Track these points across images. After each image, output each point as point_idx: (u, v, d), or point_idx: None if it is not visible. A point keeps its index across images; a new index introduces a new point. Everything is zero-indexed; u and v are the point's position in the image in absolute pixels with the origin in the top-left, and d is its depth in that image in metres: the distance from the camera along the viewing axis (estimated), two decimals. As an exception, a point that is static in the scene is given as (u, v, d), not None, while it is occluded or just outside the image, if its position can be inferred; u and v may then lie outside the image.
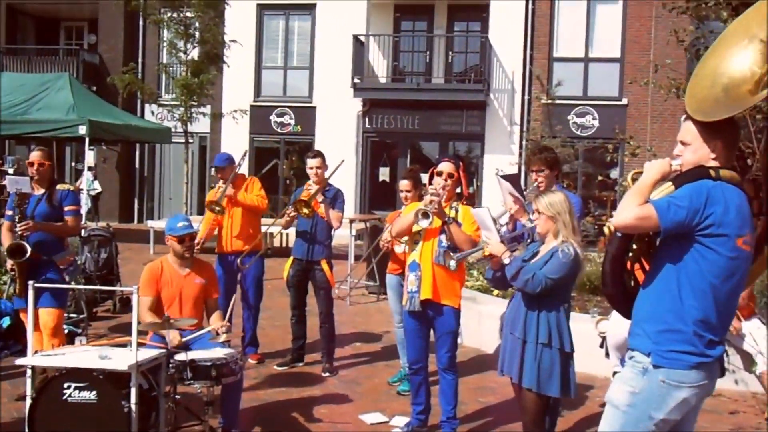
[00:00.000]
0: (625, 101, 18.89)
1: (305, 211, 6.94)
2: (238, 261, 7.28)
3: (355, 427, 5.76)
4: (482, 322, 8.33)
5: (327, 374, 7.12)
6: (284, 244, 16.48)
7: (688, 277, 3.07)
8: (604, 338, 6.05)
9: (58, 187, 6.06)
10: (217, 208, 7.22)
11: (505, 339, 4.61)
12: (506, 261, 4.45)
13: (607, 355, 6.00)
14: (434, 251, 5.31)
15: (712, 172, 3.07)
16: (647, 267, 3.31)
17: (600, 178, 19.11)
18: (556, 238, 4.38)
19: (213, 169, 7.50)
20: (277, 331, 8.82)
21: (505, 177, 5.38)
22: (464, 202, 5.56)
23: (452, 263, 4.95)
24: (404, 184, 6.76)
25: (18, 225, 5.70)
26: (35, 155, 5.99)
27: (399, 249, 6.57)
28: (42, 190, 5.95)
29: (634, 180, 3.23)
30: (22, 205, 5.77)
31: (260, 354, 7.57)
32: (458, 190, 5.61)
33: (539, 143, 17.26)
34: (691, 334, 3.06)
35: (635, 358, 3.21)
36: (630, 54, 18.86)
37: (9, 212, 5.96)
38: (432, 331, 5.51)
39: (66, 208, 5.99)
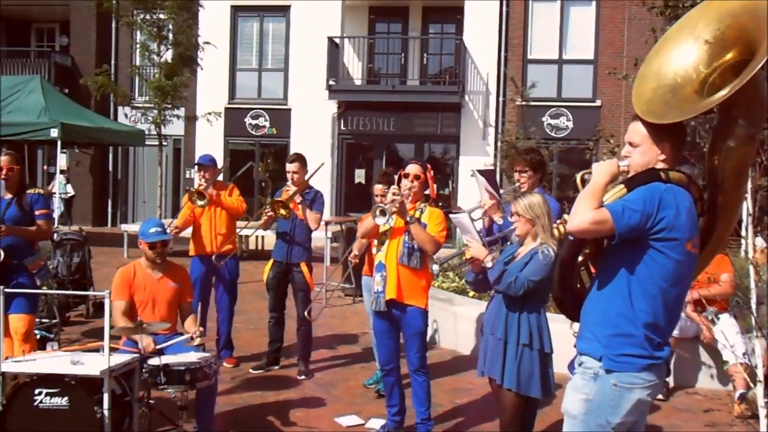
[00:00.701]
0: (599, 102, 19.05)
1: (282, 212, 6.92)
2: (213, 258, 7.25)
3: (330, 430, 5.74)
4: (458, 323, 8.34)
5: (303, 377, 7.09)
6: (259, 247, 16.43)
7: (639, 280, 3.05)
8: (578, 338, 6.08)
9: (28, 191, 5.98)
10: (200, 202, 7.16)
11: (486, 340, 4.61)
12: (488, 264, 4.44)
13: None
14: (399, 251, 5.35)
15: (662, 175, 3.05)
16: (593, 269, 3.29)
17: (575, 178, 19.23)
18: (534, 240, 4.40)
19: (196, 166, 7.43)
20: (252, 334, 8.78)
21: (482, 172, 5.42)
22: (432, 204, 5.58)
23: (435, 267, 4.99)
24: (378, 188, 6.76)
25: None
26: (4, 160, 5.90)
27: (376, 251, 6.56)
28: (10, 195, 5.86)
29: (583, 180, 3.21)
30: None
31: (235, 357, 7.52)
32: (427, 191, 5.63)
33: (515, 144, 17.37)
34: (642, 338, 3.05)
35: (585, 364, 3.18)
36: (603, 55, 19.02)
37: None
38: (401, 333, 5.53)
39: (37, 212, 5.91)
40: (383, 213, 5.12)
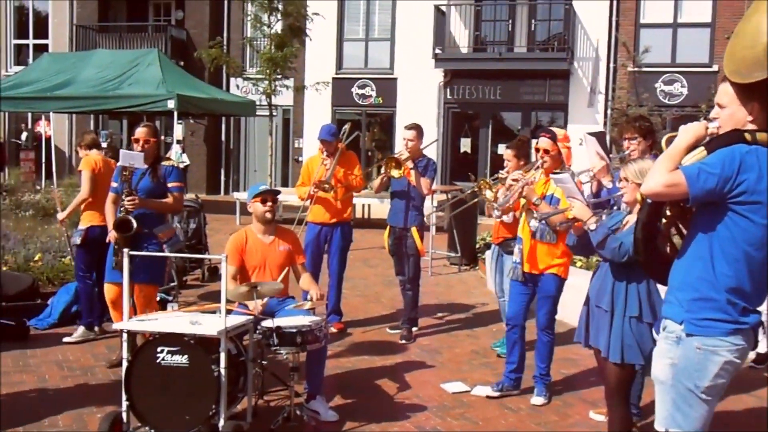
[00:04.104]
0: (716, 68, 18.21)
1: (394, 172, 7.06)
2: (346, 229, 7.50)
3: (436, 396, 5.82)
4: (565, 293, 8.21)
5: (404, 341, 7.23)
6: (366, 215, 16.65)
7: (720, 244, 2.97)
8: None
9: (163, 163, 6.12)
10: (327, 186, 7.31)
11: (592, 311, 4.51)
12: (592, 227, 4.30)
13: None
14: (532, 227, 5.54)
15: (747, 136, 2.94)
16: (684, 231, 3.21)
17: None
18: None
19: (320, 142, 7.46)
20: (359, 300, 8.96)
21: (592, 134, 5.40)
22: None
23: (533, 222, 5.05)
24: (508, 153, 6.60)
25: (125, 199, 5.83)
26: (141, 132, 6.00)
27: (507, 218, 6.55)
28: (145, 166, 5.97)
29: (668, 144, 3.12)
30: (128, 180, 5.88)
31: (343, 323, 7.70)
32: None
33: (625, 112, 16.88)
34: (724, 302, 2.97)
35: (668, 328, 3.14)
36: (721, 18, 18.14)
37: (114, 184, 6.08)
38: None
39: (170, 185, 6.04)
40: (497, 209, 5.66)
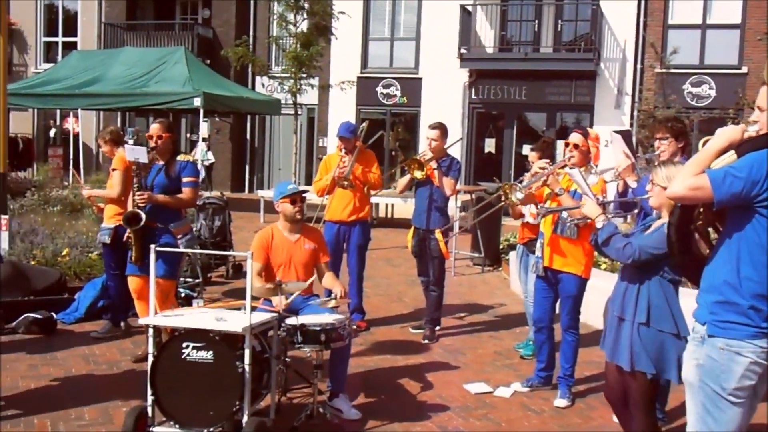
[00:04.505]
0: (744, 69, 18.01)
1: (418, 174, 7.03)
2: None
3: (459, 396, 5.82)
4: (588, 296, 8.17)
5: (426, 341, 7.22)
6: (389, 215, 16.65)
7: (749, 248, 2.93)
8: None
9: (178, 158, 6.12)
10: (346, 182, 7.34)
11: (609, 315, 4.47)
12: (599, 225, 4.26)
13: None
14: (554, 221, 5.56)
15: None
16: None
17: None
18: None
19: (338, 139, 7.52)
20: (381, 299, 8.96)
21: (618, 132, 5.39)
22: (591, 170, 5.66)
23: (539, 217, 5.07)
24: (533, 155, 6.66)
25: (136, 194, 5.89)
26: (154, 128, 6.05)
27: (533, 220, 6.56)
28: (162, 162, 6.03)
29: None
30: (140, 175, 5.93)
31: (366, 321, 7.70)
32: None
33: (652, 114, 16.75)
34: (746, 308, 2.93)
35: (695, 329, 3.15)
36: (752, 19, 17.93)
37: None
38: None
39: (184, 180, 6.03)
40: (520, 191, 5.62)
